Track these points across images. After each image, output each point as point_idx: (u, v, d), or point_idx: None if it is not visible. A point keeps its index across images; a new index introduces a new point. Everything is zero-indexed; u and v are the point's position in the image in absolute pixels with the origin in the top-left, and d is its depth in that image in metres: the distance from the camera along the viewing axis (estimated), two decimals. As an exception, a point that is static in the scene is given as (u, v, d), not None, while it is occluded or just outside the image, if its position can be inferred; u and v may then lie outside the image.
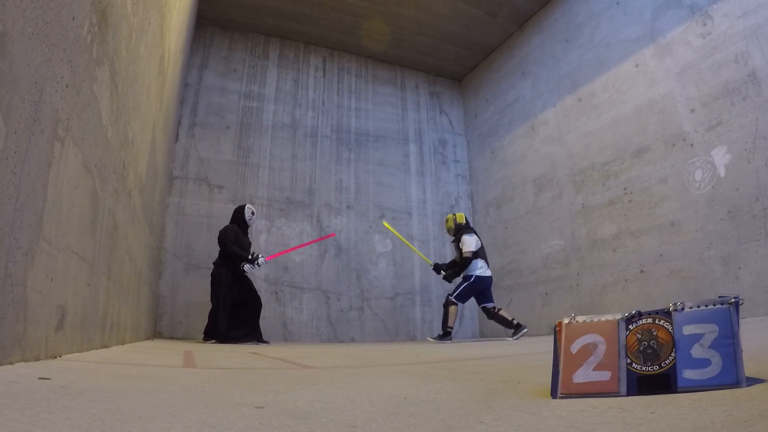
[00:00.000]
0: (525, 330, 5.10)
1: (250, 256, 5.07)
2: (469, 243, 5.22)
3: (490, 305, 5.25)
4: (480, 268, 5.24)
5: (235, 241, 4.99)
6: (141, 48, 2.51)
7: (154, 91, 3.29)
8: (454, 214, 5.57)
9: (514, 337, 5.00)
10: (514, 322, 5.10)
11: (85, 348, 1.91)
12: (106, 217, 2.16)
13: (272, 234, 6.74)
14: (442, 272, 5.50)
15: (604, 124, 5.78)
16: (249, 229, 5.32)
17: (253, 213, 5.29)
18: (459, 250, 5.30)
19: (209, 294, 5.17)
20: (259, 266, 5.12)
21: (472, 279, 5.20)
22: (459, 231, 5.39)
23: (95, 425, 0.59)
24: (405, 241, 6.60)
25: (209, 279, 5.40)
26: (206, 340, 4.83)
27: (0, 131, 0.96)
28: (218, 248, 5.13)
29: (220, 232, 5.11)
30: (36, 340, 1.28)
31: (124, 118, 2.29)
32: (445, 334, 5.08)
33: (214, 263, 5.10)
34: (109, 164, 2.09)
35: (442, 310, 5.24)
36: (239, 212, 5.23)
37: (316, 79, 7.81)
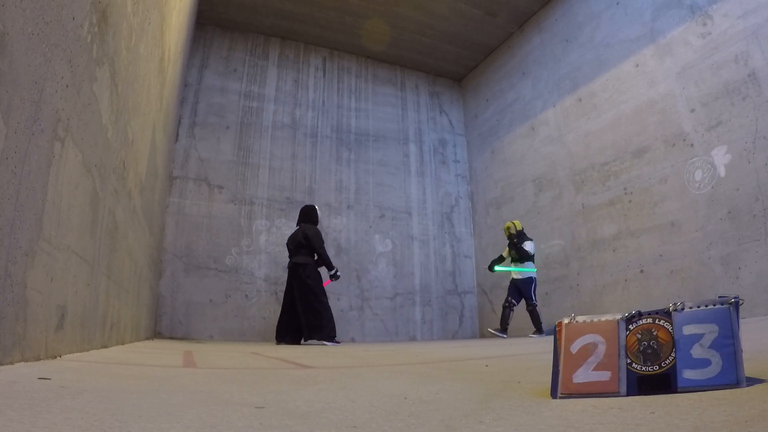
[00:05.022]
0: (504, 337, 5.73)
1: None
2: (531, 246, 5.91)
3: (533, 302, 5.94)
4: (535, 271, 5.92)
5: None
6: (141, 48, 2.51)
7: (154, 91, 3.29)
8: (513, 222, 6.14)
9: (534, 336, 5.53)
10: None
11: (85, 348, 1.91)
12: (106, 217, 2.16)
13: (272, 234, 6.74)
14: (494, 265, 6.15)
15: (604, 124, 5.78)
16: None
17: (319, 213, 5.38)
18: (519, 249, 5.90)
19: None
20: (335, 279, 5.18)
21: (533, 279, 5.84)
22: (520, 236, 5.98)
23: (95, 425, 0.59)
24: (506, 269, 6.47)
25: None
26: (328, 340, 4.64)
27: (0, 131, 0.96)
28: (295, 248, 5.05)
29: (313, 232, 5.01)
30: (36, 340, 1.28)
31: (124, 118, 2.29)
32: (540, 330, 5.69)
33: (300, 263, 4.91)
34: (109, 164, 2.09)
35: (530, 313, 5.79)
36: (313, 211, 5.19)
37: (316, 79, 7.81)
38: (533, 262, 5.89)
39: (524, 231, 6.13)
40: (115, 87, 2.03)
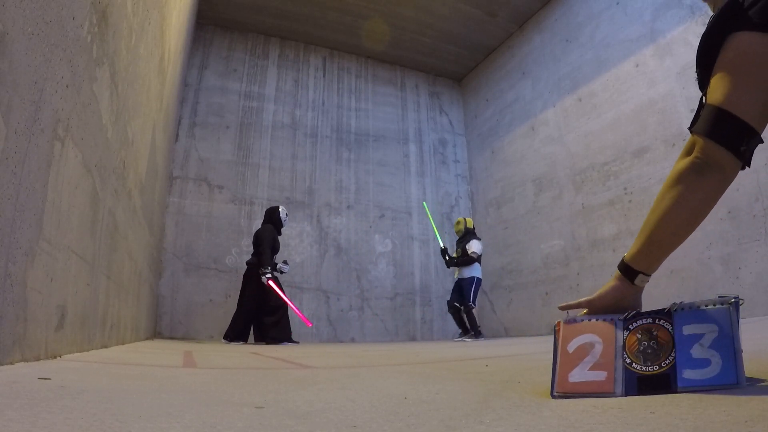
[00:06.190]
0: (483, 338, 5.79)
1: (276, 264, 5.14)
2: (478, 246, 5.93)
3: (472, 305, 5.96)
4: (480, 271, 5.96)
5: (271, 245, 5.03)
6: (141, 48, 2.51)
7: (154, 91, 3.29)
8: (465, 219, 6.19)
9: (469, 339, 5.63)
10: (478, 329, 5.85)
11: (85, 348, 1.91)
12: (106, 217, 2.16)
13: (272, 234, 6.74)
14: (447, 257, 6.09)
15: (604, 124, 5.78)
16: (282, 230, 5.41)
17: (287, 215, 5.39)
18: (464, 250, 5.92)
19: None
20: (282, 273, 5.18)
21: (476, 280, 5.89)
22: (468, 234, 6.05)
23: (95, 425, 0.59)
24: (433, 223, 6.66)
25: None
26: (232, 341, 4.75)
27: (0, 131, 0.96)
28: (253, 247, 5.17)
29: (259, 231, 5.11)
30: (36, 340, 1.28)
31: (124, 118, 2.29)
32: (478, 333, 5.73)
33: (248, 262, 5.07)
34: (109, 164, 2.09)
35: (465, 315, 5.84)
36: (274, 213, 5.24)
37: (316, 79, 7.81)
38: (479, 262, 5.92)
39: (474, 230, 6.18)
40: (115, 87, 2.03)
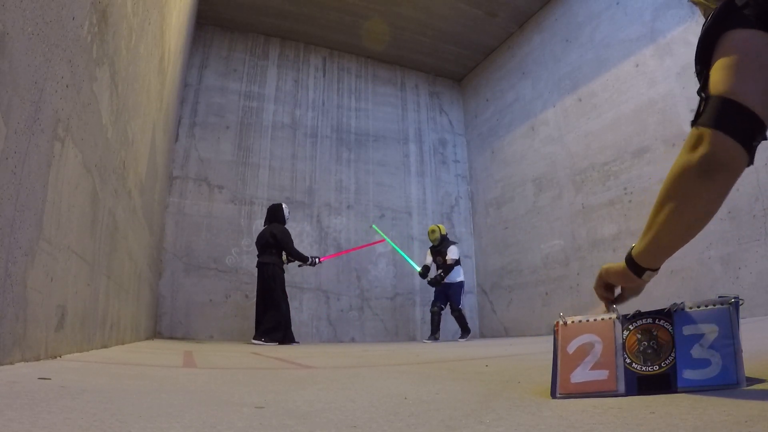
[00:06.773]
0: (470, 334, 6.09)
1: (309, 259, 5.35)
2: (455, 252, 6.10)
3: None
4: (462, 274, 6.22)
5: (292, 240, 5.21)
6: (141, 48, 2.51)
7: (154, 91, 3.29)
8: (439, 226, 6.32)
9: (462, 339, 5.92)
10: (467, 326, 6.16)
11: (85, 348, 1.91)
12: (106, 217, 2.16)
13: (272, 234, 6.73)
14: (430, 278, 6.25)
15: (604, 124, 5.78)
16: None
17: (289, 212, 5.54)
18: (442, 256, 6.10)
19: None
20: (313, 266, 5.43)
21: (463, 283, 6.19)
22: (444, 241, 6.21)
23: (95, 425, 0.59)
24: (394, 245, 6.75)
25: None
26: (268, 342, 4.69)
27: (0, 131, 0.96)
28: (259, 247, 5.25)
29: (279, 231, 5.15)
30: (36, 340, 1.28)
31: (124, 118, 2.29)
32: (468, 330, 6.03)
33: (265, 262, 5.09)
34: (109, 164, 2.09)
35: (456, 317, 6.08)
36: (279, 210, 5.32)
37: (316, 79, 7.81)
38: (460, 266, 6.10)
39: (448, 236, 6.35)
40: (115, 87, 2.03)
